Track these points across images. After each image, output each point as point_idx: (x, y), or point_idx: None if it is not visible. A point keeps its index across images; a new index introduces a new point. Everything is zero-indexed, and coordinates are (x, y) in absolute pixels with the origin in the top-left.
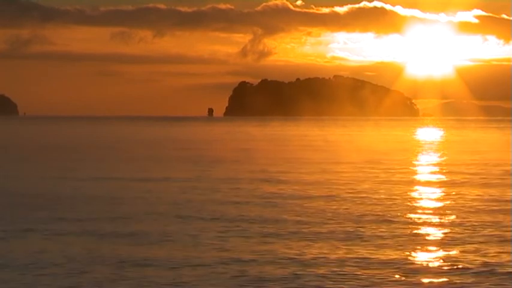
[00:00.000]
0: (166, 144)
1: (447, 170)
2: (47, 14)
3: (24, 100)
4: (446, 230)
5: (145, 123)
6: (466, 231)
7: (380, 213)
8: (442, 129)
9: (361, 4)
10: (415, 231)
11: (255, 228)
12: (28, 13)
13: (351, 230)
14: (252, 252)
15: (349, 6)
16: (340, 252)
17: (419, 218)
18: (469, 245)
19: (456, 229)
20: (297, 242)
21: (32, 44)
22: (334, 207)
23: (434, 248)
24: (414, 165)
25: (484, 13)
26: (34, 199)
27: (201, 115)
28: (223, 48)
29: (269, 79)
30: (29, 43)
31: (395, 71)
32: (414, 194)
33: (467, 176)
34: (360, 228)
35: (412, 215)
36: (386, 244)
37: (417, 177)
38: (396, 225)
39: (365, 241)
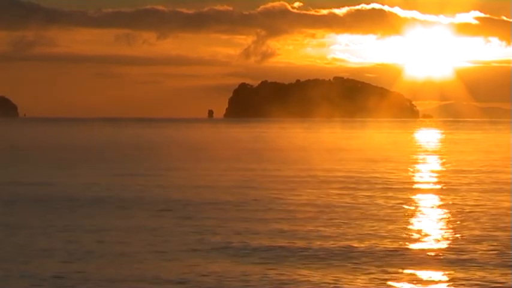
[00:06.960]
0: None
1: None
2: (50, 16)
3: (25, 102)
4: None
5: (144, 125)
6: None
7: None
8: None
9: (360, 6)
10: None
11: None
12: (31, 15)
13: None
14: None
15: (347, 8)
16: None
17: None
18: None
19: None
20: None
21: (35, 46)
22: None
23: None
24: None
25: (482, 15)
26: None
27: (202, 117)
28: (225, 50)
29: (269, 80)
30: (32, 45)
31: (395, 72)
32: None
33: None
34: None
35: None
36: None
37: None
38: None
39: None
